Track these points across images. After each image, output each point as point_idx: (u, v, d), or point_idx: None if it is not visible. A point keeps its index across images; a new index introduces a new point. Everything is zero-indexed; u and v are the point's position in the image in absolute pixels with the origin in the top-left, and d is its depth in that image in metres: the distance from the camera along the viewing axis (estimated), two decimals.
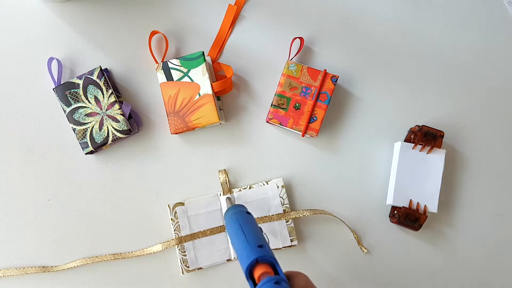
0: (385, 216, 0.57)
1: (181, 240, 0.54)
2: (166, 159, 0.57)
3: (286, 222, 0.55)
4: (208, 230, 0.54)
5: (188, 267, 0.53)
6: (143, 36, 0.58)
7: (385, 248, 0.57)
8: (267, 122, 0.56)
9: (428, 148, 0.54)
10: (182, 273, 0.53)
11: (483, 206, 0.57)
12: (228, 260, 0.54)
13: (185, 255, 0.54)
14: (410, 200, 0.53)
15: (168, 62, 0.55)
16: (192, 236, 0.54)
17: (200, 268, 0.54)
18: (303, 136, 0.55)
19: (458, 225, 0.57)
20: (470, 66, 0.59)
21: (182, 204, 0.55)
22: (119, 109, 0.54)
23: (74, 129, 0.54)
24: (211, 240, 0.54)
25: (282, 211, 0.55)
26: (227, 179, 0.56)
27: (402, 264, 0.57)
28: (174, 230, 0.54)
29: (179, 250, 0.54)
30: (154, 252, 0.54)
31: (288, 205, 0.55)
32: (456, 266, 0.57)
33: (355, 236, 0.56)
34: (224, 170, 0.56)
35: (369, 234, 0.57)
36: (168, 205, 0.55)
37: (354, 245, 0.56)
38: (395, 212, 0.54)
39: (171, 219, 0.54)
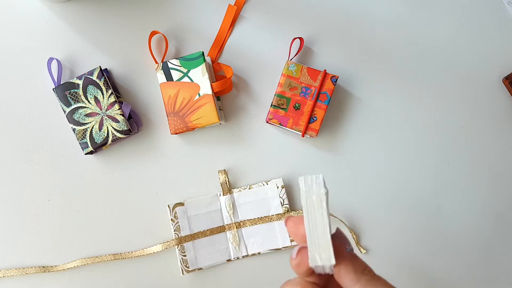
0: (385, 216, 0.57)
1: (181, 241, 0.54)
2: (166, 159, 0.57)
3: None
4: (208, 230, 0.54)
5: (188, 267, 0.53)
6: (143, 36, 0.58)
7: (385, 249, 0.57)
8: (267, 122, 0.56)
9: None
10: (182, 273, 0.53)
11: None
12: (228, 260, 0.54)
13: (185, 256, 0.54)
14: None
15: (168, 62, 0.55)
16: (192, 237, 0.54)
17: (200, 269, 0.54)
18: (303, 136, 0.55)
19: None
20: (470, 66, 0.59)
21: (182, 204, 0.55)
22: (119, 109, 0.54)
23: (74, 129, 0.54)
24: (211, 240, 0.54)
25: (282, 212, 0.55)
26: (226, 179, 0.56)
27: (402, 264, 0.57)
28: (174, 231, 0.54)
29: (179, 250, 0.54)
30: (154, 252, 0.54)
31: (288, 205, 0.55)
32: (456, 266, 0.57)
33: (354, 236, 0.56)
34: (224, 170, 0.56)
35: (368, 235, 0.57)
36: (168, 206, 0.55)
37: (354, 245, 0.56)
38: None
39: (171, 219, 0.54)
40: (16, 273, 0.54)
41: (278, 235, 0.54)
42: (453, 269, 0.57)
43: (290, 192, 0.57)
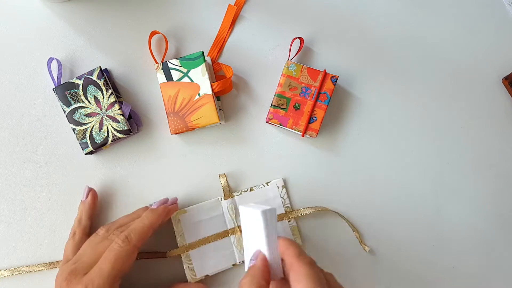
0: (385, 216, 0.57)
1: (186, 249, 0.53)
2: (166, 160, 0.57)
3: (289, 221, 0.55)
4: (212, 236, 0.54)
5: (195, 275, 0.53)
6: (143, 36, 0.58)
7: (386, 248, 0.57)
8: (267, 122, 0.56)
9: None
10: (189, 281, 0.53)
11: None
12: (233, 265, 0.54)
13: (191, 263, 0.53)
14: None
15: (168, 62, 0.55)
16: (197, 244, 0.53)
17: (207, 276, 0.54)
18: (303, 136, 0.55)
19: None
20: (470, 66, 0.59)
21: (184, 212, 0.54)
22: (119, 109, 0.54)
23: (74, 129, 0.54)
24: (216, 246, 0.54)
25: (284, 212, 0.55)
26: (227, 183, 0.55)
27: (402, 264, 0.57)
28: (178, 239, 0.54)
29: (184, 258, 0.53)
30: (158, 258, 0.54)
31: (289, 205, 0.55)
32: (456, 266, 0.57)
33: (357, 235, 0.56)
34: (224, 174, 0.56)
35: (369, 234, 0.57)
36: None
37: (357, 244, 0.56)
38: None
39: (176, 226, 0.54)
40: (25, 270, 0.53)
41: (281, 235, 0.54)
42: (453, 269, 0.57)
43: (290, 192, 0.57)
